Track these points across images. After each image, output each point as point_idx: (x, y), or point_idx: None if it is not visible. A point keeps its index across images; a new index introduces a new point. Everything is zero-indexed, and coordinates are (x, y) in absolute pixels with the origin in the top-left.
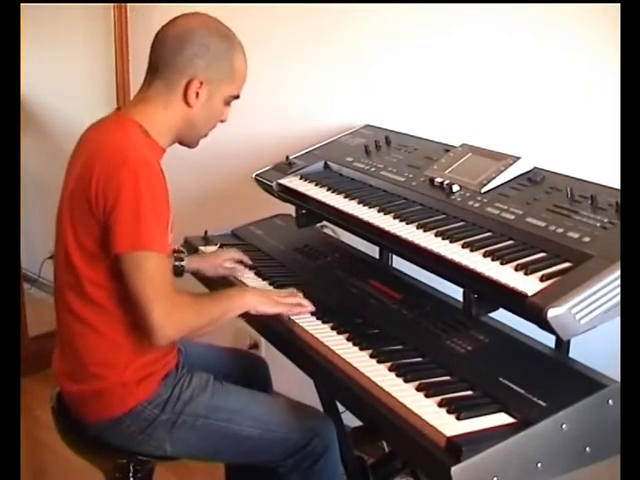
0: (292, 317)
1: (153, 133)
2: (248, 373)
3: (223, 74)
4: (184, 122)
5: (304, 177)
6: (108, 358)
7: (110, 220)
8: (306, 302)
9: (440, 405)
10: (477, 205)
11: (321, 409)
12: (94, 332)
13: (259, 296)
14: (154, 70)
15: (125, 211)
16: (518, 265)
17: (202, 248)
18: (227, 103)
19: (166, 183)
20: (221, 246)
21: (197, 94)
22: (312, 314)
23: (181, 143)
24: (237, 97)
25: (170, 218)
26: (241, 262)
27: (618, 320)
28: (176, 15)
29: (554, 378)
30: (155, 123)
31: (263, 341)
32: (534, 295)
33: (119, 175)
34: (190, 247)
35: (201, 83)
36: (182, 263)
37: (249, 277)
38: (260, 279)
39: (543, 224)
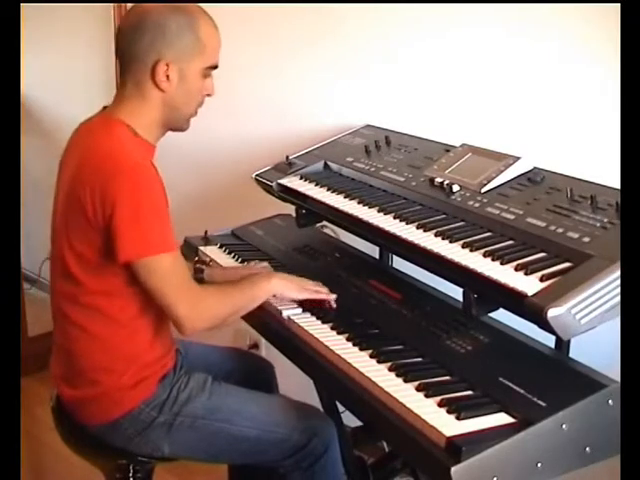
0: (292, 317)
1: (141, 131)
2: (251, 375)
3: (189, 49)
4: (165, 109)
5: (304, 177)
6: (105, 364)
7: (111, 229)
8: (330, 296)
9: (440, 405)
10: (477, 205)
11: (321, 409)
12: (91, 338)
13: (285, 280)
14: (122, 67)
15: (126, 219)
16: (518, 265)
17: (201, 248)
18: (205, 75)
19: (161, 180)
20: (221, 246)
21: (167, 77)
22: (312, 314)
23: (172, 129)
24: (215, 67)
25: (169, 213)
26: None
27: (618, 320)
28: None
29: (554, 378)
30: (140, 120)
31: (263, 341)
32: (534, 295)
33: (114, 184)
34: (190, 247)
35: (167, 65)
36: (202, 275)
37: None
38: None
39: (543, 224)
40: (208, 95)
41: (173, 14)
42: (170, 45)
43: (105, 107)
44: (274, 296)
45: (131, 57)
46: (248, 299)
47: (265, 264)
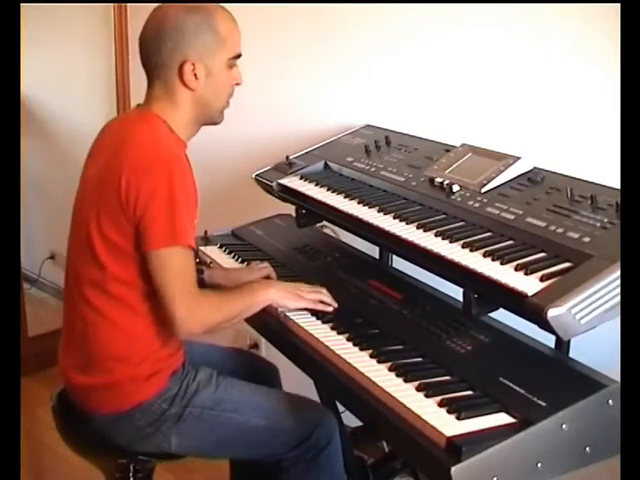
0: (291, 317)
1: (175, 129)
2: (254, 375)
3: (210, 44)
4: (197, 107)
5: (304, 177)
6: (122, 352)
7: (144, 219)
8: (330, 300)
9: (440, 405)
10: (477, 205)
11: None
12: (111, 325)
13: (283, 290)
14: (149, 74)
15: (160, 209)
16: (518, 265)
17: (201, 248)
18: (231, 66)
19: (193, 176)
20: (221, 246)
21: (195, 75)
22: (312, 314)
23: (207, 124)
24: (239, 56)
25: (197, 209)
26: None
27: (618, 320)
28: None
29: (554, 378)
30: (174, 120)
31: (263, 341)
32: (534, 295)
33: (151, 174)
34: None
35: (193, 64)
36: (202, 276)
37: None
38: None
39: (543, 224)
40: (237, 84)
41: (189, 14)
42: (191, 45)
43: (139, 105)
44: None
45: (157, 65)
46: (245, 308)
47: (266, 264)
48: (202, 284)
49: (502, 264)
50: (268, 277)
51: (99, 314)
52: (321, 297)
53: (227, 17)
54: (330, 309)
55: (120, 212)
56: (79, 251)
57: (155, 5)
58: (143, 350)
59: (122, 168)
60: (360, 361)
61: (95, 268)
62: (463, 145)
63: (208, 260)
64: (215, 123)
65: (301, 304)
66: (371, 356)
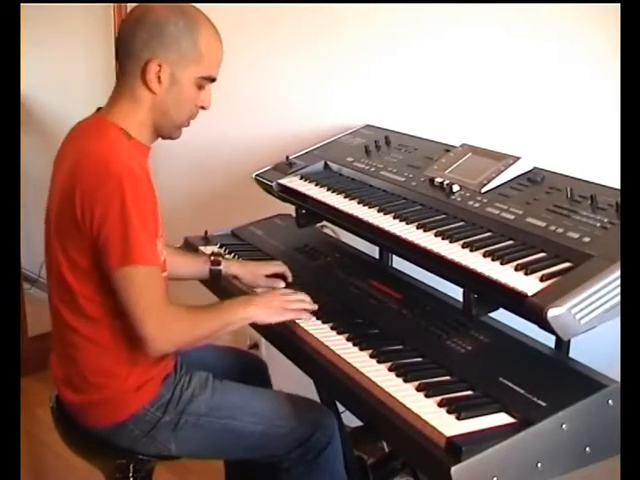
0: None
1: (133, 132)
2: (247, 373)
3: (186, 54)
4: (154, 111)
5: (304, 177)
6: (108, 368)
7: (100, 237)
8: (311, 305)
9: (440, 405)
10: (477, 205)
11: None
12: (91, 344)
13: (264, 307)
14: (118, 64)
15: (114, 227)
16: (518, 265)
17: (201, 248)
18: (201, 87)
19: (152, 188)
20: (221, 246)
21: (159, 78)
22: (313, 313)
23: (161, 136)
24: (213, 80)
25: (159, 225)
26: (282, 276)
27: (618, 320)
28: None
29: (554, 378)
30: (131, 120)
31: (263, 341)
32: (534, 295)
33: (103, 191)
34: (190, 247)
35: (160, 65)
36: (219, 267)
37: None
38: None
39: (543, 224)
40: (202, 108)
41: (175, 16)
42: (165, 46)
43: (99, 108)
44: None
45: (126, 52)
46: (221, 325)
47: (279, 263)
48: (220, 276)
49: (502, 264)
50: (283, 276)
51: (78, 335)
52: (304, 305)
53: (213, 35)
54: (309, 316)
55: (77, 232)
56: (50, 272)
57: (156, 5)
58: (129, 362)
59: (75, 187)
60: (360, 361)
61: (63, 288)
62: (463, 145)
63: (223, 252)
64: (171, 137)
65: (286, 316)
66: (371, 356)
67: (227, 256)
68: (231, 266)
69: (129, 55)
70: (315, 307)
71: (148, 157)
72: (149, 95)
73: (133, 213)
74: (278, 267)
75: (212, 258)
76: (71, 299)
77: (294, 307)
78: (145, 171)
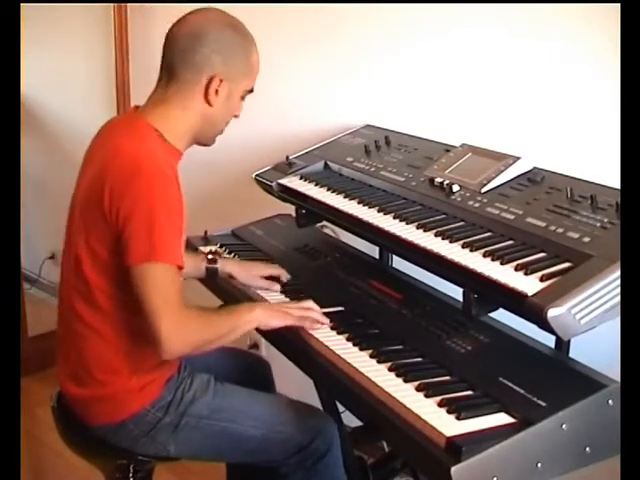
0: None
1: (170, 137)
2: (249, 373)
3: (240, 69)
4: (204, 121)
5: (304, 177)
6: (113, 365)
7: (125, 232)
8: (321, 316)
9: (440, 405)
10: (477, 205)
11: (321, 409)
12: (100, 338)
13: (269, 310)
14: (169, 71)
15: (140, 223)
16: (518, 265)
17: (201, 248)
18: (242, 98)
19: (181, 190)
20: (221, 246)
21: (217, 92)
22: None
23: (198, 143)
24: (251, 91)
25: (184, 225)
26: (277, 279)
27: (618, 320)
28: (177, 15)
29: (554, 378)
30: (174, 126)
31: (263, 341)
32: (534, 295)
33: (133, 187)
34: (190, 247)
35: (221, 80)
36: (216, 266)
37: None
38: None
39: (543, 224)
40: (235, 116)
41: (234, 33)
42: (226, 63)
43: (137, 107)
44: (257, 328)
45: (185, 65)
46: (230, 329)
47: (276, 265)
48: (216, 274)
49: (502, 264)
50: (278, 279)
51: (89, 327)
52: (310, 314)
53: (256, 48)
54: (318, 327)
55: (104, 224)
56: (68, 263)
57: (156, 5)
58: (133, 362)
59: (105, 180)
60: (360, 361)
61: (81, 280)
62: (463, 145)
63: (220, 250)
64: (206, 145)
65: (288, 322)
66: (371, 356)
67: (226, 255)
68: (227, 265)
69: (188, 67)
70: (325, 320)
71: (178, 162)
72: (203, 106)
73: (161, 212)
74: (274, 269)
75: (209, 257)
76: (86, 290)
77: (298, 314)
78: (175, 172)
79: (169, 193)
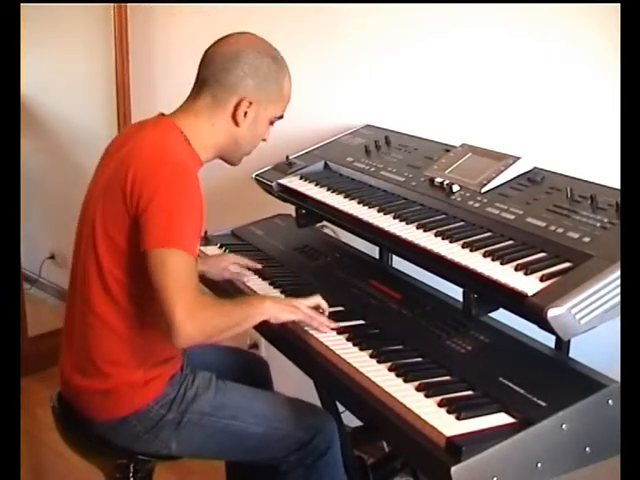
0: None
1: (195, 144)
2: (248, 372)
3: (271, 95)
4: (229, 140)
5: (304, 177)
6: (120, 357)
7: (143, 217)
8: (328, 321)
9: (440, 405)
10: (477, 205)
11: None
12: (108, 329)
13: (279, 303)
14: (203, 85)
15: (159, 209)
16: (518, 265)
17: (201, 248)
18: (271, 123)
19: (201, 191)
20: (221, 246)
21: (245, 114)
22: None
23: (224, 159)
24: (281, 117)
25: (203, 223)
26: (247, 267)
27: (618, 320)
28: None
29: (554, 378)
30: (200, 136)
31: (263, 341)
32: (534, 295)
33: (157, 174)
34: None
35: (250, 103)
36: None
37: (254, 281)
38: (260, 279)
39: (543, 224)
40: (264, 140)
41: (270, 59)
42: (258, 87)
43: (162, 114)
44: (267, 320)
45: (218, 82)
46: (243, 317)
47: (234, 255)
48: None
49: (502, 264)
50: (247, 267)
51: (98, 316)
52: (319, 303)
53: (290, 80)
54: (326, 330)
55: (122, 206)
56: (84, 249)
57: (156, 5)
58: (140, 355)
59: (129, 166)
60: (360, 361)
61: (94, 265)
62: (463, 145)
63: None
64: (231, 164)
65: (298, 316)
66: (371, 356)
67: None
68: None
69: (222, 85)
70: (331, 325)
71: (199, 170)
72: (231, 125)
73: (184, 202)
74: (238, 258)
75: None
76: (99, 275)
77: (308, 311)
78: (197, 172)
79: (191, 189)
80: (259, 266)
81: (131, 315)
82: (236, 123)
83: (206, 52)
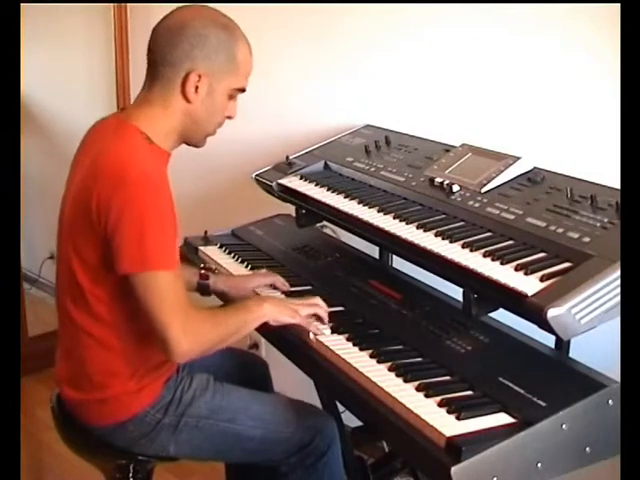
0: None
1: (156, 138)
2: (248, 373)
3: (224, 66)
4: (186, 120)
5: (304, 177)
6: (112, 368)
7: (114, 239)
8: (324, 311)
9: (440, 405)
10: (477, 205)
11: (321, 408)
12: (97, 344)
13: (277, 306)
14: (151, 68)
15: (129, 231)
16: (518, 265)
17: (201, 248)
18: (231, 97)
19: (170, 193)
20: (221, 246)
21: (196, 88)
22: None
23: (187, 143)
24: (243, 90)
25: (177, 227)
26: (274, 286)
27: (618, 320)
28: None
29: (554, 378)
30: (157, 126)
31: (263, 341)
32: (534, 295)
33: (119, 195)
34: (190, 247)
35: (200, 76)
36: (207, 282)
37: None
38: None
39: (543, 224)
40: (229, 117)
41: (216, 28)
42: (206, 58)
43: (123, 108)
44: (266, 323)
45: (165, 61)
46: (240, 325)
47: (268, 272)
48: (207, 291)
49: (502, 264)
50: (273, 285)
51: (84, 333)
52: (316, 310)
53: (248, 48)
54: (322, 334)
55: (91, 229)
56: (61, 269)
57: (156, 5)
58: (132, 364)
59: (93, 185)
60: (360, 361)
61: (73, 286)
62: (463, 145)
63: (213, 266)
64: (196, 146)
65: (297, 320)
66: (371, 356)
67: (227, 257)
68: (218, 282)
69: (168, 64)
70: (321, 331)
71: (167, 163)
72: (183, 103)
73: (151, 218)
74: (266, 278)
75: (202, 272)
76: (82, 300)
77: (305, 313)
78: (162, 176)
79: (157, 199)
80: (286, 287)
81: (119, 328)
82: (187, 99)
83: (152, 32)
